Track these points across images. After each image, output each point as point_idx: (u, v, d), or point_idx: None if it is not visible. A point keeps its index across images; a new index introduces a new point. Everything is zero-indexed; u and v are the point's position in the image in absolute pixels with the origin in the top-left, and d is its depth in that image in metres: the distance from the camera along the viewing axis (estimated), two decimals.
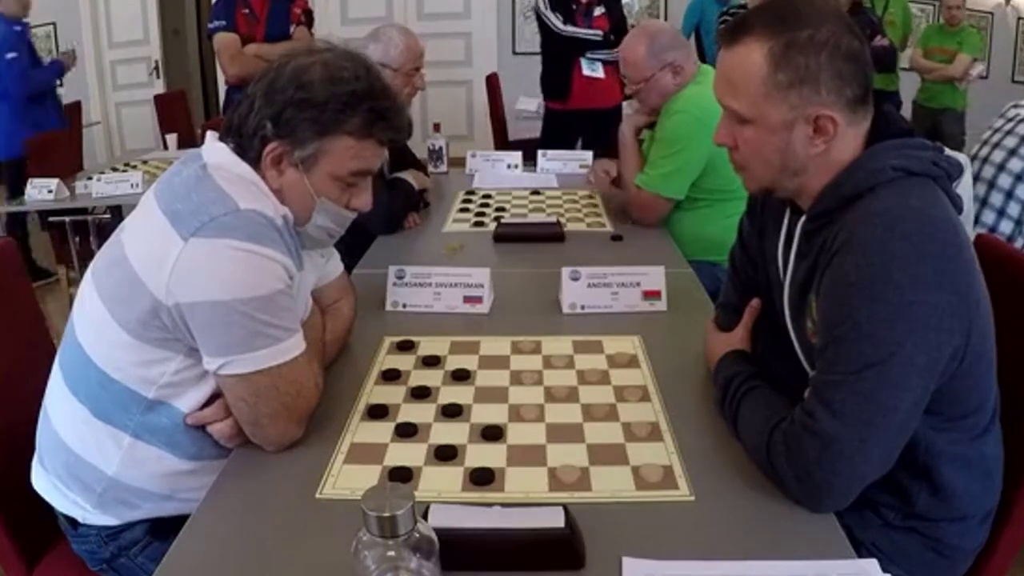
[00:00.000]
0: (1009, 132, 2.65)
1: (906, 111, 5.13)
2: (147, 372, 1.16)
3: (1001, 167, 2.60)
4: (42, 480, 1.28)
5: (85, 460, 1.21)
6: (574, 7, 3.95)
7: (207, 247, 1.10)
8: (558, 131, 4.10)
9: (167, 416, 1.18)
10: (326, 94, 1.18)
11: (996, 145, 2.66)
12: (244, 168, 1.21)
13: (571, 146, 3.86)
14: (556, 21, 3.93)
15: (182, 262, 1.09)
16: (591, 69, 3.97)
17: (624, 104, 4.12)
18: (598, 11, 3.97)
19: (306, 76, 1.19)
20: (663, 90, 2.31)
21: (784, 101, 1.06)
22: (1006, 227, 2.59)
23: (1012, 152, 2.60)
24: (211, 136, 1.27)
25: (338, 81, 1.19)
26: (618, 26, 3.99)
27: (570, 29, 3.92)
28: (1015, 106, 2.72)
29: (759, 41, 1.06)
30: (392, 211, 2.32)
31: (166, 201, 1.16)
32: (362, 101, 1.19)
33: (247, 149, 1.21)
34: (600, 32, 3.94)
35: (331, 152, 1.21)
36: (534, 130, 4.48)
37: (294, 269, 1.18)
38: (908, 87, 5.13)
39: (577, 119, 4.03)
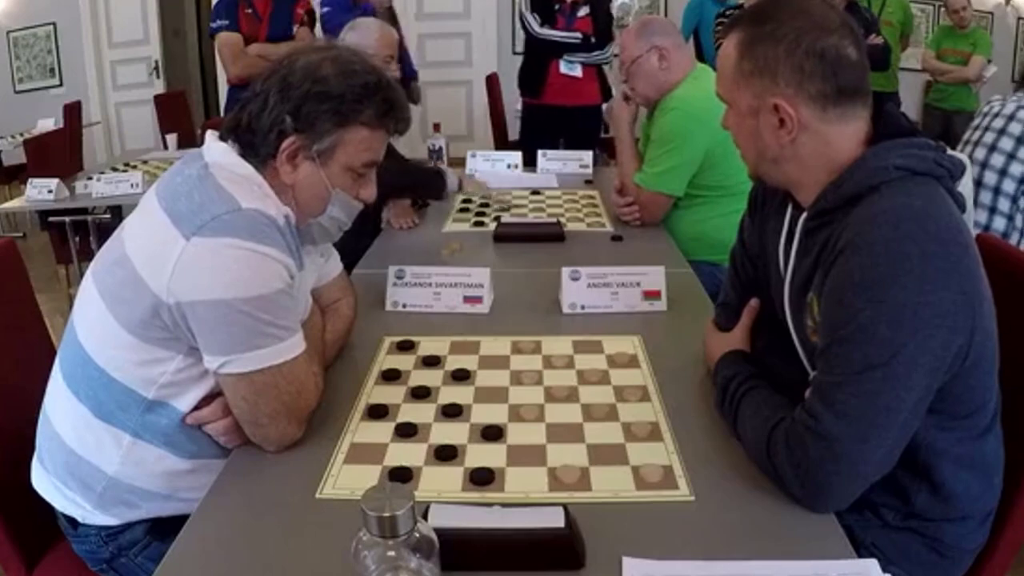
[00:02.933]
0: (987, 128, 2.67)
1: (906, 111, 5.12)
2: (148, 372, 1.16)
3: (984, 165, 2.61)
4: (42, 480, 1.28)
5: (85, 460, 1.21)
6: (556, 7, 3.95)
7: (209, 246, 1.10)
8: (535, 127, 4.12)
9: (167, 416, 1.18)
10: (342, 86, 1.20)
11: (977, 143, 2.67)
12: (246, 168, 1.21)
13: (552, 143, 3.87)
14: (533, 23, 3.95)
15: (184, 261, 1.09)
16: (568, 68, 3.98)
17: (604, 106, 4.16)
18: (582, 11, 3.97)
19: (320, 71, 1.21)
20: (650, 76, 2.33)
21: (748, 88, 1.13)
22: (999, 224, 2.60)
23: (992, 148, 2.61)
24: (211, 136, 1.27)
25: (351, 74, 1.22)
26: (602, 29, 3.99)
27: (546, 32, 3.93)
28: (989, 103, 2.74)
29: (735, 34, 1.15)
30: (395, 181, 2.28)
31: (168, 200, 1.16)
32: (376, 92, 1.23)
33: (259, 146, 1.21)
34: (579, 35, 3.93)
35: (347, 143, 1.23)
36: None
37: (295, 269, 1.18)
38: (909, 88, 5.14)
39: (553, 116, 4.04)
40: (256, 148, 1.22)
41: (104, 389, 1.18)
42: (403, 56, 3.97)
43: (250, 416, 1.15)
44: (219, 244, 1.10)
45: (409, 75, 4.15)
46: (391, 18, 3.92)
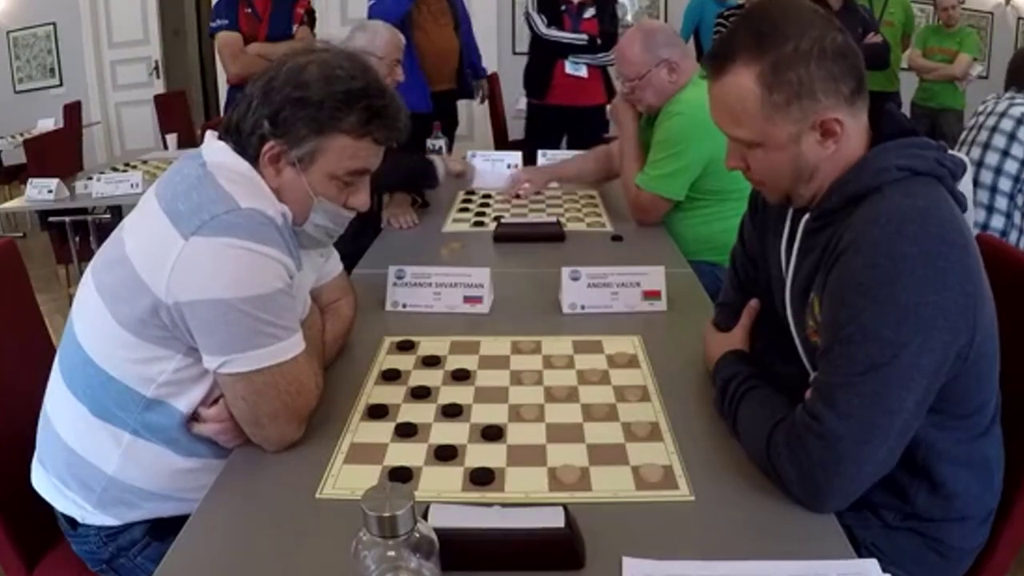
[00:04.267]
0: (980, 127, 2.68)
1: (907, 111, 5.12)
2: (146, 370, 1.16)
3: (980, 163, 2.62)
4: (42, 480, 1.28)
5: (85, 459, 1.21)
6: (563, 8, 3.95)
7: (208, 246, 1.10)
8: (540, 127, 4.12)
9: (166, 415, 1.18)
10: (322, 93, 1.18)
11: (972, 143, 2.68)
12: (244, 166, 1.21)
13: (555, 143, 3.87)
14: (540, 24, 3.94)
15: (183, 260, 1.09)
16: (574, 68, 3.98)
17: (609, 107, 4.14)
18: (588, 13, 3.96)
19: (303, 75, 1.19)
20: (659, 88, 2.32)
21: (787, 118, 1.07)
22: (998, 222, 2.60)
23: (986, 146, 2.62)
24: (211, 135, 1.27)
25: (334, 80, 1.20)
26: (608, 31, 3.99)
27: (553, 33, 3.93)
28: (983, 102, 2.75)
29: (746, 66, 1.07)
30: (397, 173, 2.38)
31: (167, 200, 1.16)
32: (358, 100, 1.20)
33: (245, 148, 1.21)
34: (586, 36, 3.93)
35: (328, 151, 1.21)
36: None
37: (294, 268, 1.18)
38: (909, 88, 5.13)
39: (558, 116, 4.04)
40: (244, 149, 1.22)
41: (103, 388, 1.18)
42: (466, 50, 3.97)
43: (250, 416, 1.15)
44: (218, 244, 1.10)
45: (475, 75, 4.14)
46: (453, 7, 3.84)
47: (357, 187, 1.28)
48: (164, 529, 1.20)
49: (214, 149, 1.24)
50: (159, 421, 1.18)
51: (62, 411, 1.23)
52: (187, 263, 1.09)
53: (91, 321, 1.20)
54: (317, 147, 1.20)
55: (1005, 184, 2.58)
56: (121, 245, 1.18)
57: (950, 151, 1.10)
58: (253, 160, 1.21)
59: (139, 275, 1.12)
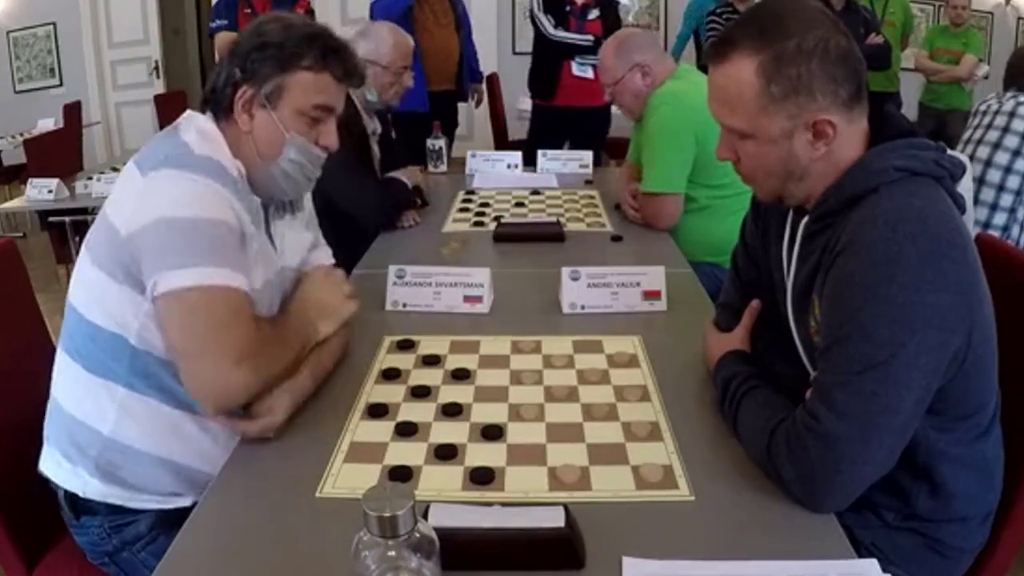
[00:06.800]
0: (988, 126, 2.69)
1: (907, 111, 5.12)
2: (124, 312, 1.19)
3: (988, 162, 2.63)
4: (47, 459, 1.30)
5: (83, 423, 1.24)
6: (568, 9, 3.96)
7: (162, 176, 1.18)
8: (545, 128, 4.13)
9: (154, 363, 1.21)
10: (282, 36, 1.29)
11: (979, 142, 2.70)
12: (211, 126, 1.29)
13: (559, 144, 3.89)
14: (547, 25, 3.96)
15: (140, 194, 1.18)
16: (580, 69, 4.00)
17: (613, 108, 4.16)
18: (592, 14, 3.98)
19: (263, 27, 1.32)
20: (635, 91, 2.37)
21: (781, 112, 1.06)
22: (1000, 219, 2.62)
23: (996, 146, 2.63)
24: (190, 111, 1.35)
25: (292, 27, 1.32)
26: (612, 31, 3.99)
27: (560, 34, 3.94)
28: (984, 102, 2.76)
29: (747, 57, 1.06)
30: (383, 206, 2.34)
31: (138, 156, 1.26)
32: (315, 40, 1.31)
33: (221, 102, 1.30)
34: (591, 37, 3.95)
35: (293, 87, 1.30)
36: None
37: (245, 217, 1.24)
38: (909, 87, 5.13)
39: (564, 117, 4.06)
40: (219, 106, 1.31)
41: (93, 341, 1.22)
42: (465, 52, 3.96)
43: (181, 347, 1.16)
44: (171, 174, 1.18)
45: (472, 79, 4.17)
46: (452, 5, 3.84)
47: (325, 126, 1.35)
48: (168, 523, 1.21)
49: (188, 113, 1.33)
50: (148, 368, 1.21)
51: (62, 379, 1.28)
52: (143, 195, 1.18)
53: (81, 278, 1.25)
54: (282, 83, 1.29)
55: (1013, 182, 2.60)
56: (104, 207, 1.25)
57: (949, 152, 1.10)
58: (228, 111, 1.30)
59: (111, 221, 1.19)
